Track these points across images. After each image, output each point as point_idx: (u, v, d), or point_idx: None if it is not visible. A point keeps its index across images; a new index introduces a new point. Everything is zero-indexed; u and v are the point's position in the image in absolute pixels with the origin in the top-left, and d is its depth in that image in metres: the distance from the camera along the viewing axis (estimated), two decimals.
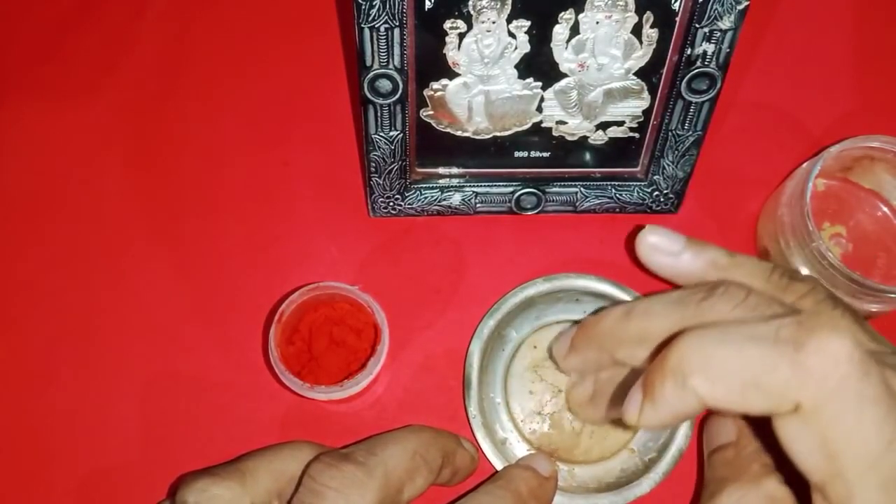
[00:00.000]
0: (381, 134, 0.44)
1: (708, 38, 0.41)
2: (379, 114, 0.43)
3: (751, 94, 0.53)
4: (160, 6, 0.56)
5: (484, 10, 0.40)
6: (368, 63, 0.41)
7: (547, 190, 0.48)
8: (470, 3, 0.39)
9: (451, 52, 0.41)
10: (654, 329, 0.32)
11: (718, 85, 0.43)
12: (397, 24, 0.39)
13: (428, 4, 0.39)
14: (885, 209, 0.50)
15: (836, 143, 0.46)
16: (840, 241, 0.49)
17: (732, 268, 0.35)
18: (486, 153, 0.47)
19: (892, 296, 0.43)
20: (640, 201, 0.49)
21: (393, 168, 0.46)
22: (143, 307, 0.49)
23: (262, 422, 0.46)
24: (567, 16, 0.40)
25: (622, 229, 0.50)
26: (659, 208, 0.49)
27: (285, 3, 0.55)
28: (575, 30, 0.41)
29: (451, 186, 0.48)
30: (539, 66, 0.42)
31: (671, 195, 0.49)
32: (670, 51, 0.42)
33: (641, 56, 0.42)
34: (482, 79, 0.43)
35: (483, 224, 0.50)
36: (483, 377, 0.46)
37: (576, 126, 0.46)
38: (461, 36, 0.41)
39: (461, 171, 0.48)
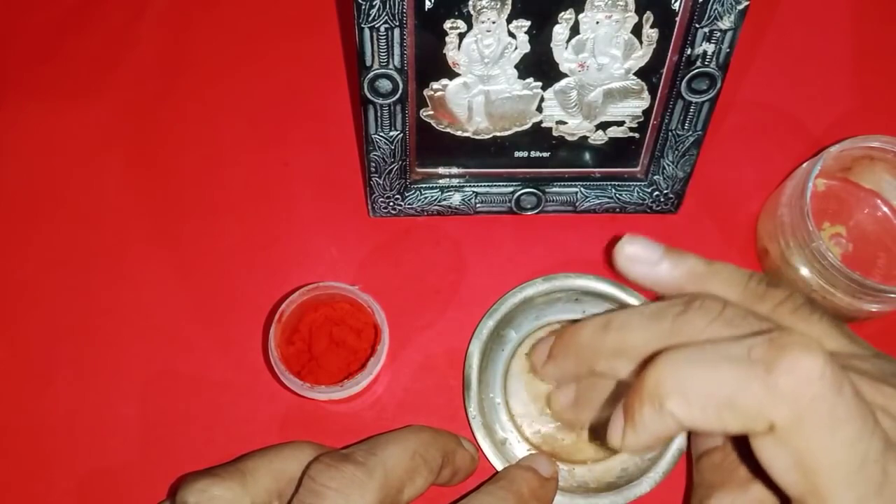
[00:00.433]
0: (381, 134, 0.44)
1: (708, 38, 0.41)
2: (379, 114, 0.43)
3: (751, 94, 0.53)
4: (160, 6, 0.56)
5: (484, 10, 0.40)
6: (368, 63, 0.41)
7: (547, 190, 0.48)
8: (470, 3, 0.39)
9: (451, 52, 0.41)
10: (631, 342, 0.32)
11: (718, 85, 0.43)
12: (397, 24, 0.39)
13: (428, 4, 0.39)
14: (885, 209, 0.50)
15: (836, 143, 0.46)
16: (840, 241, 0.49)
17: (710, 276, 0.35)
18: (486, 153, 0.47)
19: (892, 296, 0.43)
20: (640, 201, 0.49)
21: (393, 168, 0.46)
22: (142, 307, 0.49)
23: (262, 422, 0.46)
24: (567, 16, 0.40)
25: (622, 229, 0.50)
26: (659, 208, 0.49)
27: (285, 3, 0.55)
28: (575, 30, 0.41)
29: (451, 186, 0.48)
30: (539, 66, 0.42)
31: (671, 195, 0.49)
32: (670, 51, 0.42)
33: (641, 56, 0.42)
34: (482, 79, 0.43)
35: (483, 224, 0.50)
36: (483, 377, 0.46)
37: (576, 126, 0.46)
38: (461, 36, 0.41)
39: (461, 171, 0.48)
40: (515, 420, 0.46)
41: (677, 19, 0.41)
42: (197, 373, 0.47)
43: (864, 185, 0.50)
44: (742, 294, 0.34)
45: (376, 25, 0.39)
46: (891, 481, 0.27)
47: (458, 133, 0.45)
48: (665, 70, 0.43)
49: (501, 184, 0.48)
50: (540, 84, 0.43)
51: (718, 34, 0.40)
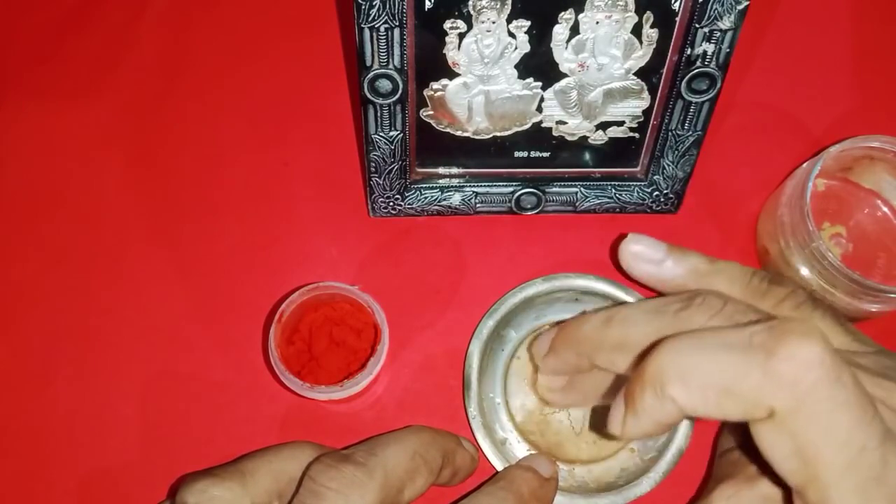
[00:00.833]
0: (381, 134, 0.44)
1: (708, 38, 0.41)
2: (379, 114, 0.43)
3: (751, 94, 0.53)
4: (160, 6, 0.56)
5: (484, 10, 0.40)
6: (368, 63, 0.41)
7: (547, 190, 0.48)
8: (470, 3, 0.39)
9: (451, 52, 0.41)
10: (632, 337, 0.33)
11: (718, 85, 0.43)
12: (397, 24, 0.39)
13: (428, 4, 0.39)
14: (885, 209, 0.50)
15: (836, 143, 0.46)
16: (840, 241, 0.49)
17: (713, 274, 0.35)
18: (486, 153, 0.47)
19: (892, 296, 0.43)
20: (640, 201, 0.49)
21: (393, 168, 0.46)
22: (142, 307, 0.49)
23: (262, 422, 0.46)
24: (567, 16, 0.40)
25: (622, 229, 0.50)
26: (659, 208, 0.49)
27: (285, 3, 0.55)
28: (575, 30, 0.41)
29: (451, 186, 0.48)
30: (539, 66, 0.42)
31: (671, 195, 0.49)
32: (670, 51, 0.42)
33: (641, 56, 0.42)
34: (482, 79, 0.43)
35: (483, 224, 0.50)
36: (483, 377, 0.46)
37: (576, 126, 0.46)
38: (461, 36, 0.41)
39: (461, 171, 0.48)
40: (515, 420, 0.46)
41: (677, 19, 0.41)
42: (197, 373, 0.47)
43: (864, 185, 0.50)
44: (745, 291, 0.34)
45: (376, 25, 0.39)
46: (890, 470, 0.27)
47: (458, 133, 0.45)
48: (665, 70, 0.43)
49: (501, 184, 0.48)
50: (540, 84, 0.43)
51: (718, 34, 0.40)
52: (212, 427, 0.46)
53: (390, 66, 0.41)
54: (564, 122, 0.45)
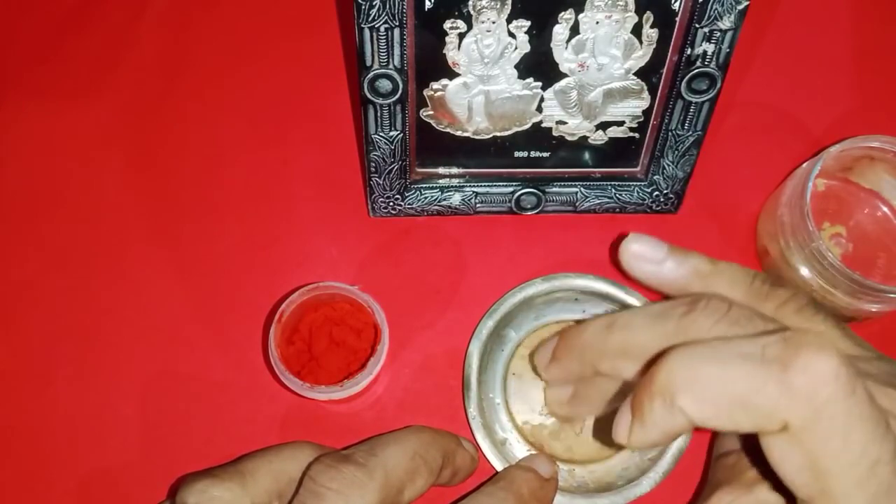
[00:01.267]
0: (381, 134, 0.44)
1: (708, 38, 0.41)
2: (379, 114, 0.43)
3: (751, 94, 0.53)
4: (160, 6, 0.56)
5: (484, 10, 0.40)
6: (368, 63, 0.41)
7: (547, 190, 0.48)
8: (470, 3, 0.39)
9: (451, 52, 0.41)
10: (635, 342, 0.32)
11: (718, 85, 0.43)
12: (397, 24, 0.39)
13: (428, 4, 0.39)
14: (885, 209, 0.50)
15: (836, 143, 0.46)
16: (840, 241, 0.49)
17: (714, 275, 0.35)
18: (486, 153, 0.47)
19: (892, 296, 0.43)
20: (640, 201, 0.49)
21: (393, 168, 0.46)
22: (143, 307, 0.49)
23: (262, 422, 0.46)
24: (567, 16, 0.40)
25: (622, 229, 0.50)
26: (659, 208, 0.49)
27: (285, 3, 0.55)
28: (575, 30, 0.41)
29: (451, 186, 0.48)
30: (539, 66, 0.42)
31: (671, 195, 0.49)
32: (670, 51, 0.42)
33: (641, 56, 0.42)
34: (482, 79, 0.43)
35: (483, 224, 0.50)
36: (482, 378, 0.46)
37: (576, 126, 0.46)
38: (461, 36, 0.41)
39: (461, 171, 0.48)
40: (515, 420, 0.46)
41: (677, 19, 0.41)
42: (197, 373, 0.47)
43: (864, 185, 0.50)
44: (746, 293, 0.34)
45: (376, 25, 0.39)
46: None
47: (458, 133, 0.45)
48: (665, 70, 0.43)
49: (501, 184, 0.48)
50: (540, 84, 0.43)
51: (718, 34, 0.40)
52: (212, 427, 0.46)
53: (390, 66, 0.41)
54: (564, 122, 0.45)
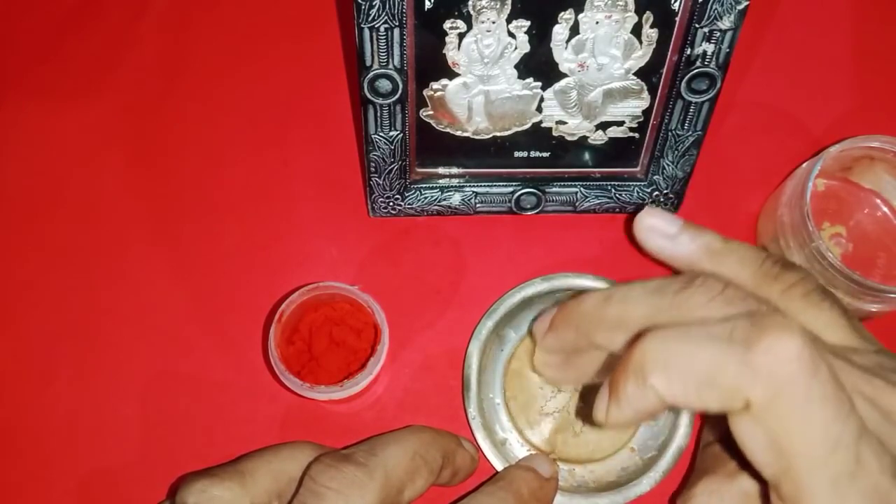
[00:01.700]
0: (381, 134, 0.44)
1: (708, 38, 0.41)
2: (379, 114, 0.43)
3: (751, 94, 0.53)
4: (160, 6, 0.56)
5: (484, 10, 0.40)
6: (368, 63, 0.41)
7: (547, 190, 0.48)
8: (470, 3, 0.39)
9: (451, 52, 0.41)
10: (631, 315, 0.33)
11: (718, 85, 0.43)
12: (397, 24, 0.39)
13: (428, 4, 0.39)
14: (885, 209, 0.50)
15: (836, 143, 0.46)
16: (840, 241, 0.49)
17: (726, 253, 0.35)
18: (486, 153, 0.47)
19: (892, 296, 0.43)
20: (640, 201, 0.49)
21: (393, 168, 0.46)
22: (143, 307, 0.49)
23: (262, 422, 0.46)
24: (567, 16, 0.40)
25: (622, 229, 0.50)
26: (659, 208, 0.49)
27: (285, 3, 0.55)
28: (575, 30, 0.41)
29: (451, 186, 0.48)
30: (539, 66, 0.42)
31: (671, 195, 0.49)
32: (670, 51, 0.42)
33: (641, 56, 0.42)
34: (482, 79, 0.43)
35: (483, 224, 0.50)
36: (482, 378, 0.46)
37: (576, 126, 0.46)
38: (461, 36, 0.41)
39: (461, 171, 0.48)
40: (515, 420, 0.46)
41: (677, 19, 0.41)
42: (197, 373, 0.47)
43: (864, 185, 0.50)
44: (756, 273, 0.34)
45: (376, 25, 0.39)
46: (863, 467, 0.27)
47: (458, 133, 0.46)
48: (665, 70, 0.43)
49: (501, 184, 0.48)
50: (540, 84, 0.43)
51: (718, 34, 0.40)
52: (212, 427, 0.46)
53: (390, 66, 0.41)
54: (564, 122, 0.45)
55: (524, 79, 0.43)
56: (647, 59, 0.42)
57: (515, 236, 0.50)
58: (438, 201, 0.49)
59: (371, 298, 0.44)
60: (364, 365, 0.43)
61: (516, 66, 0.42)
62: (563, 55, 0.42)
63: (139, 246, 0.50)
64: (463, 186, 0.48)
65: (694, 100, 0.44)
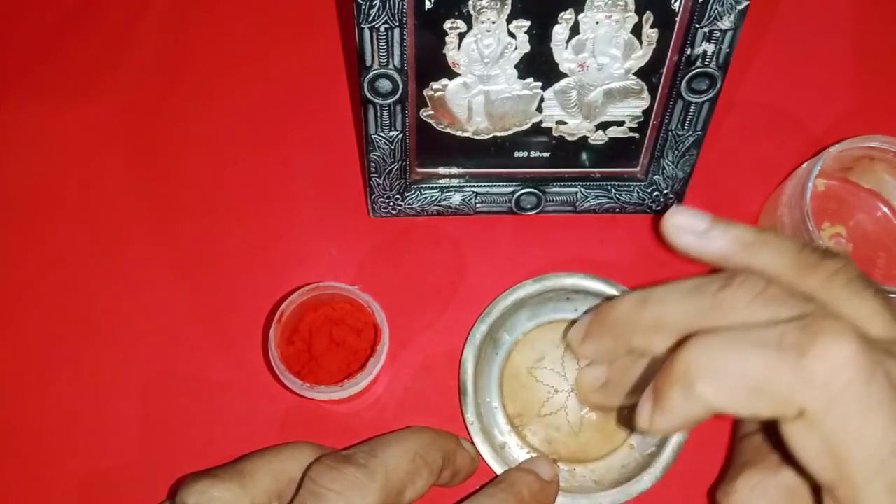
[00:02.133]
0: (381, 134, 0.44)
1: (708, 38, 0.41)
2: (379, 114, 0.43)
3: (751, 94, 0.53)
4: (160, 6, 0.56)
5: (484, 10, 0.40)
6: (368, 63, 0.41)
7: (547, 190, 0.48)
8: (470, 3, 0.39)
9: (451, 52, 0.41)
10: (669, 317, 0.32)
11: (718, 85, 0.43)
12: (397, 24, 0.39)
13: (428, 4, 0.39)
14: (885, 209, 0.50)
15: (836, 143, 0.46)
16: (840, 241, 0.49)
17: (760, 245, 0.33)
18: (486, 153, 0.47)
19: (893, 296, 0.43)
20: (640, 201, 0.49)
21: (393, 168, 0.46)
22: (143, 307, 0.49)
23: (262, 422, 0.46)
24: (567, 16, 0.40)
25: (622, 229, 0.50)
26: (659, 208, 0.49)
27: (285, 3, 0.55)
28: (575, 30, 0.41)
29: (451, 186, 0.48)
30: (539, 66, 0.42)
31: (671, 195, 0.49)
32: (670, 51, 0.42)
33: (641, 56, 0.42)
34: (482, 79, 0.43)
35: (483, 224, 0.50)
36: (478, 382, 0.46)
37: (576, 126, 0.46)
38: (461, 36, 0.41)
39: (461, 171, 0.48)
40: (513, 423, 0.46)
41: (677, 19, 0.41)
42: (197, 373, 0.47)
43: (864, 185, 0.50)
44: (794, 263, 0.32)
45: (376, 25, 0.39)
46: None
47: (458, 133, 0.45)
48: (665, 70, 0.43)
49: (501, 184, 0.48)
50: (540, 84, 0.43)
51: (718, 34, 0.40)
52: (212, 427, 0.46)
53: (390, 66, 0.41)
54: (564, 122, 0.45)
55: (524, 79, 0.43)
56: (647, 59, 0.42)
57: (515, 236, 0.50)
58: (438, 201, 0.49)
59: (371, 298, 0.43)
60: (364, 365, 0.43)
61: (516, 66, 0.42)
62: (564, 55, 0.42)
63: (139, 246, 0.50)
64: (463, 186, 0.48)
65: (694, 100, 0.44)
